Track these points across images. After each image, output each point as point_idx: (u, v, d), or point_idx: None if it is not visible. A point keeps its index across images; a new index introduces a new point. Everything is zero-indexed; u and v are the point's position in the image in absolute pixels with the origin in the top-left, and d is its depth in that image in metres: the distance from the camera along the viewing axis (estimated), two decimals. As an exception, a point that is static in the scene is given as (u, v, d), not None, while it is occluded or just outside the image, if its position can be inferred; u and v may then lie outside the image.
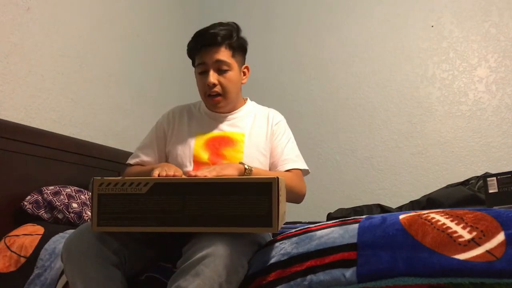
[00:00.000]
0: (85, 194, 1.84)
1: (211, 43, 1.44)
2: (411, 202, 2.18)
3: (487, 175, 1.41)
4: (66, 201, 1.73)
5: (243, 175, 1.32)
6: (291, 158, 1.51)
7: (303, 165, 1.53)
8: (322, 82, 3.08)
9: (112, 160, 2.23)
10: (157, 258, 1.26)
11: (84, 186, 1.93)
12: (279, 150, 1.51)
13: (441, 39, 2.88)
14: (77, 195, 1.80)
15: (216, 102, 1.48)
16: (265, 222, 1.05)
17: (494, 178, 1.38)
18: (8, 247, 1.53)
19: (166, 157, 1.54)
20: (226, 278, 1.02)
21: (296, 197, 1.48)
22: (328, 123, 3.03)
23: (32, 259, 1.48)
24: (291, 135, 1.58)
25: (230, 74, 1.47)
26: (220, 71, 1.46)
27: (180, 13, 3.22)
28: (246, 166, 1.35)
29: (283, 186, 1.09)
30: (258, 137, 1.50)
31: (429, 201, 2.01)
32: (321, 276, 1.04)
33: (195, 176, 1.18)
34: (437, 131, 2.82)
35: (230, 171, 1.28)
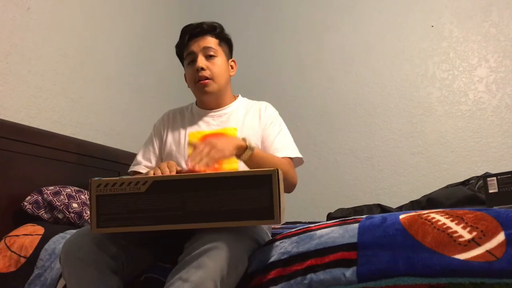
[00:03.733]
0: (85, 194, 1.83)
1: (198, 33, 1.52)
2: (411, 202, 2.18)
3: (487, 175, 1.41)
4: (66, 201, 1.73)
5: (242, 153, 1.29)
6: (282, 147, 1.49)
7: (295, 153, 1.51)
8: (322, 82, 3.08)
9: (112, 160, 2.23)
10: (156, 260, 1.26)
11: (84, 186, 1.93)
12: (271, 139, 1.50)
13: (441, 39, 2.88)
14: (77, 195, 1.79)
15: (205, 85, 1.50)
16: (267, 214, 1.05)
17: (494, 178, 1.38)
18: (8, 247, 1.53)
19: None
20: (227, 271, 1.03)
21: (286, 184, 1.40)
22: (328, 123, 3.03)
23: (32, 259, 1.47)
24: (283, 125, 1.58)
25: (217, 60, 1.52)
26: (208, 57, 1.51)
27: (180, 13, 3.22)
28: (248, 144, 1.30)
29: (281, 178, 1.09)
30: (250, 130, 1.51)
31: (429, 201, 2.00)
32: (321, 275, 1.04)
33: (193, 170, 1.15)
34: (437, 131, 2.82)
35: (227, 150, 1.24)
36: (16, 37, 1.86)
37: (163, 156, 1.56)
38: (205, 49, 1.51)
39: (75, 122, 2.16)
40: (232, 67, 1.61)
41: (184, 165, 1.47)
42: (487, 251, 0.95)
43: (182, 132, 1.54)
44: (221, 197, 1.06)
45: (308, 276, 1.05)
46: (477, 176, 2.07)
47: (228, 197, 1.05)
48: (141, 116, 2.63)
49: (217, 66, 1.51)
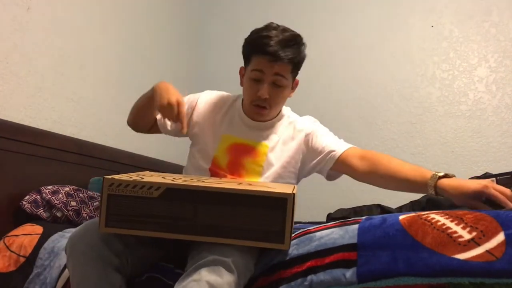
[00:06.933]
0: (83, 193, 1.84)
1: (276, 58, 1.34)
2: (411, 202, 2.18)
3: (487, 175, 1.41)
4: (65, 199, 1.73)
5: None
6: (340, 141, 1.50)
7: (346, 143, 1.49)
8: (322, 82, 3.08)
9: (112, 160, 2.23)
10: (160, 259, 1.26)
11: (84, 186, 1.93)
12: (323, 143, 1.48)
13: (441, 39, 2.88)
14: (75, 193, 1.80)
15: (261, 114, 1.44)
16: (277, 238, 1.03)
17: (494, 178, 1.38)
18: (7, 247, 1.53)
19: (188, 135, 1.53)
20: (237, 280, 1.02)
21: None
22: (328, 123, 2.99)
23: (32, 259, 1.48)
24: (326, 129, 1.57)
25: (282, 90, 1.41)
26: (275, 85, 1.38)
27: (180, 12, 3.22)
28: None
29: (296, 202, 1.07)
30: (282, 151, 1.46)
31: (429, 202, 2.00)
32: (322, 276, 1.04)
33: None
34: (437, 131, 2.82)
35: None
36: (16, 37, 1.86)
37: (192, 135, 1.51)
38: (276, 75, 1.36)
39: (75, 122, 2.17)
40: (292, 88, 1.49)
41: (206, 166, 1.43)
42: (486, 251, 0.95)
43: (219, 130, 1.46)
44: (233, 214, 1.04)
45: (309, 277, 1.05)
46: (477, 176, 2.07)
47: (241, 215, 1.04)
48: (141, 116, 2.63)
49: (280, 97, 1.41)
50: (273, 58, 1.34)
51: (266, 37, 1.36)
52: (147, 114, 1.53)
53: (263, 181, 1.41)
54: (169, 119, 1.36)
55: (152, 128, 1.58)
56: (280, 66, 1.36)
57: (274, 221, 1.03)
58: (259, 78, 1.38)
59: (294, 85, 1.50)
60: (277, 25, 1.42)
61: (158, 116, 1.55)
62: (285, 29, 1.40)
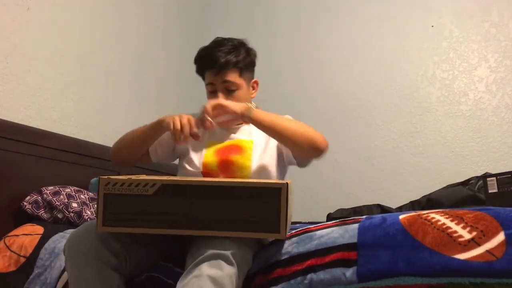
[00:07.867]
0: (84, 194, 1.83)
1: (219, 69, 1.44)
2: (411, 202, 2.18)
3: (487, 175, 1.41)
4: (66, 200, 1.73)
5: (245, 113, 1.34)
6: None
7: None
8: (322, 82, 3.08)
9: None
10: (158, 259, 1.27)
11: (84, 186, 1.93)
12: None
13: (441, 39, 2.88)
14: (76, 194, 1.79)
15: None
16: (273, 228, 1.05)
17: (494, 178, 1.38)
18: (8, 247, 1.53)
19: (177, 155, 1.56)
20: (237, 273, 1.03)
21: (312, 142, 1.35)
22: (328, 123, 3.02)
23: (32, 259, 1.48)
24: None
25: (238, 93, 1.47)
26: (229, 91, 1.46)
27: (180, 13, 3.22)
28: (250, 105, 1.39)
29: (291, 190, 1.08)
30: (265, 143, 1.49)
31: (429, 201, 2.01)
32: (322, 275, 1.04)
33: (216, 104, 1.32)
34: (437, 131, 2.82)
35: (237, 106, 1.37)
36: (16, 37, 1.86)
37: (180, 155, 1.54)
38: (226, 82, 1.45)
39: (75, 122, 2.17)
40: (253, 88, 1.56)
41: (198, 171, 1.43)
42: (487, 251, 0.96)
43: (202, 139, 1.48)
44: (229, 206, 1.06)
45: (308, 276, 1.05)
46: (477, 176, 2.07)
47: (236, 207, 1.05)
48: (141, 116, 2.63)
49: (236, 99, 1.46)
50: (217, 70, 1.45)
51: (207, 54, 1.47)
52: (147, 143, 1.52)
53: (253, 174, 1.43)
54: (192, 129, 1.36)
55: (139, 159, 1.58)
56: (225, 74, 1.45)
57: (269, 211, 1.05)
58: (213, 89, 1.48)
59: (254, 84, 1.56)
60: (223, 38, 1.51)
61: (152, 147, 1.55)
62: (229, 40, 1.50)
